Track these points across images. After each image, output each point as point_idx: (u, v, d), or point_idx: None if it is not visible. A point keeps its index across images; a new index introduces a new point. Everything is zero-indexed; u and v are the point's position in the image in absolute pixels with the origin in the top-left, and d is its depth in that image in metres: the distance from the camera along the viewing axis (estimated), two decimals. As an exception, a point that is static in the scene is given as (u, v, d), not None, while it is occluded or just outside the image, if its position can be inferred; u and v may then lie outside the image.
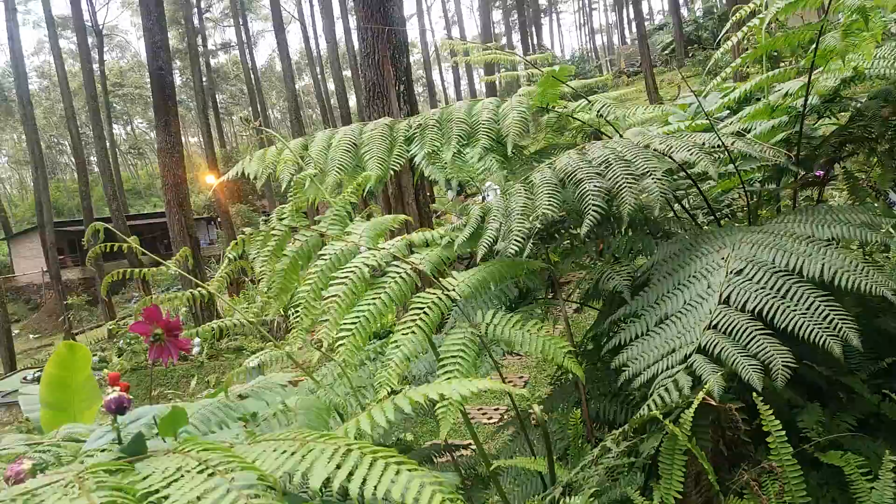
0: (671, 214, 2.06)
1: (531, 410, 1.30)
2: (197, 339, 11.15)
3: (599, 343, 2.08)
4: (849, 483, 1.38)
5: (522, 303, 1.89)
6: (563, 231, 2.04)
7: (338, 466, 0.78)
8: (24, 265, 38.06)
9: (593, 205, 1.50)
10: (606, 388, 1.79)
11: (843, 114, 2.04)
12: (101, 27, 34.36)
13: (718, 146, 1.65)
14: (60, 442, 1.19)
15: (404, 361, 1.37)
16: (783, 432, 1.15)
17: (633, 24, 34.89)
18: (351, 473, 0.76)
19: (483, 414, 4.95)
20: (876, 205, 1.82)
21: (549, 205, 1.55)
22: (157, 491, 0.74)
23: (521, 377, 5.36)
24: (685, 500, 1.15)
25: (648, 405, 1.20)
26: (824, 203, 1.91)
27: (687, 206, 2.22)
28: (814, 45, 1.72)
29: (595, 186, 1.52)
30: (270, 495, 0.72)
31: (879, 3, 1.61)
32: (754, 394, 1.16)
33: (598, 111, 1.97)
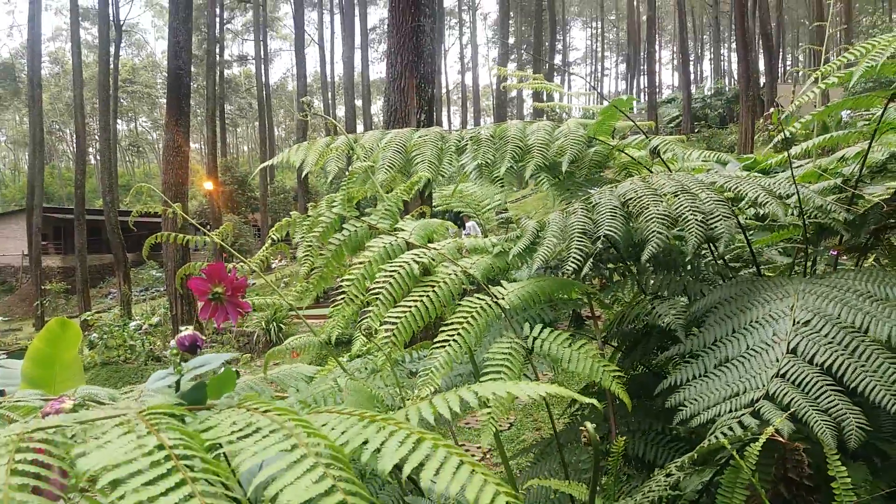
0: (709, 258, 2.03)
1: (582, 428, 1.23)
2: (172, 342, 10.96)
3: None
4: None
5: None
6: (602, 262, 2.00)
7: (409, 452, 0.71)
8: (4, 246, 37.48)
9: (657, 232, 1.46)
10: (635, 426, 1.72)
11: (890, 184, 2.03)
12: (121, 22, 34.59)
13: (783, 194, 1.63)
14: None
15: (448, 363, 1.31)
16: (848, 480, 1.10)
17: (643, 95, 35.66)
18: (421, 464, 0.70)
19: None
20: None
21: (610, 227, 1.51)
22: (224, 445, 0.67)
23: (508, 419, 5.24)
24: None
25: (709, 440, 1.14)
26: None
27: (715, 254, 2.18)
28: (881, 112, 1.72)
29: (660, 213, 1.49)
30: (351, 471, 0.65)
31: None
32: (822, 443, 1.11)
33: (656, 147, 1.95)
